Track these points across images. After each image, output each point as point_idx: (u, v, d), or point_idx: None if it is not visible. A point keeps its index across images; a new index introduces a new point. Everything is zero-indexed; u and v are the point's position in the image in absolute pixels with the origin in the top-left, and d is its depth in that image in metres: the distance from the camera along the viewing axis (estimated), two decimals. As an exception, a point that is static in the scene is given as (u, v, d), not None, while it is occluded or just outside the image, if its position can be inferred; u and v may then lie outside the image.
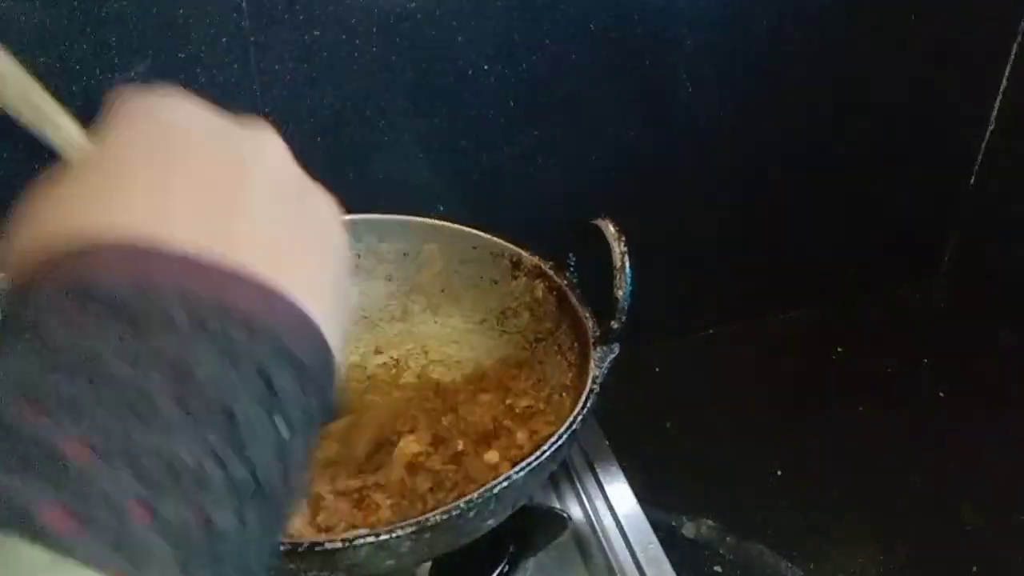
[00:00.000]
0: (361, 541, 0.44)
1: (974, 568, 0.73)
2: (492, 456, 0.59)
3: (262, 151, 0.28)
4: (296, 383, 0.25)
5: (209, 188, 0.26)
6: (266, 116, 0.30)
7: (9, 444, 0.20)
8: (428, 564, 0.57)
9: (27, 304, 0.23)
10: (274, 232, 0.27)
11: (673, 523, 0.76)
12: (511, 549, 0.61)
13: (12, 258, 0.25)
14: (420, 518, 0.45)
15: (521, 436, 0.60)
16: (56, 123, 0.29)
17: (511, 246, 0.68)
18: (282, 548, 0.44)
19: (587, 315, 0.62)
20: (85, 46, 0.61)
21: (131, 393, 0.21)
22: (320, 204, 0.30)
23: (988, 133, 0.98)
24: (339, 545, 0.44)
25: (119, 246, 0.24)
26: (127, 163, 0.26)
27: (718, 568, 0.74)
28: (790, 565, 0.73)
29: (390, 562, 0.47)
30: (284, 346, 0.24)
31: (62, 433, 0.20)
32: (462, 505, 0.46)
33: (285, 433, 0.24)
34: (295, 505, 0.27)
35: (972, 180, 1.02)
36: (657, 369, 0.94)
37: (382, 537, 0.45)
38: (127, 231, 0.24)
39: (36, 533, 0.18)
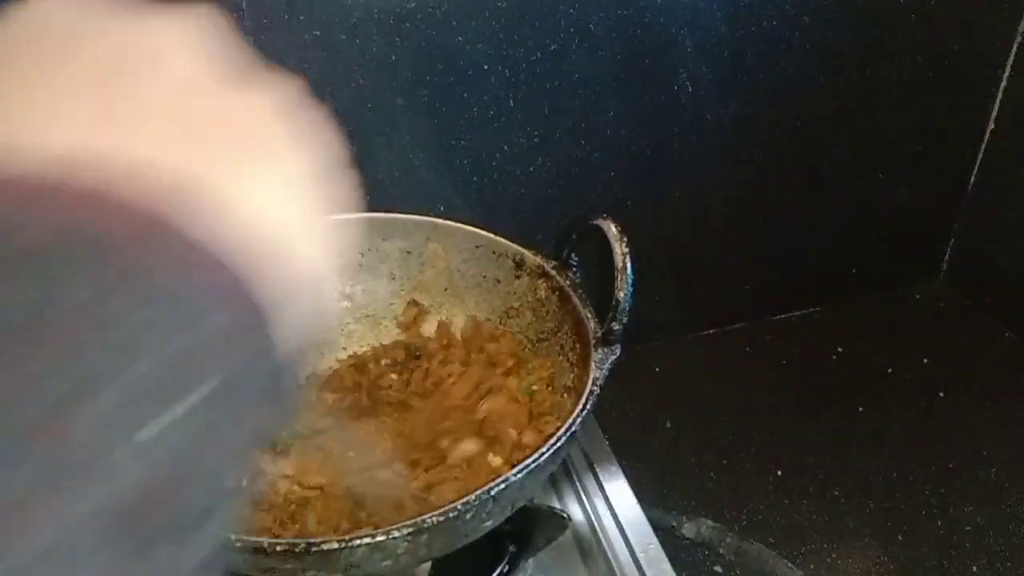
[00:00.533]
0: (358, 542, 0.44)
1: (974, 568, 0.73)
2: (497, 457, 0.59)
3: (173, 39, 0.22)
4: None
5: (90, 88, 0.20)
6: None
7: None
8: (428, 564, 0.57)
9: None
10: (181, 128, 0.21)
11: (673, 523, 0.76)
12: (511, 549, 0.61)
13: None
14: (417, 519, 0.45)
15: (525, 437, 0.60)
16: None
17: (514, 245, 0.68)
18: (279, 548, 0.44)
19: (589, 316, 0.62)
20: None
21: None
22: (260, 100, 0.23)
23: (988, 133, 0.98)
24: (336, 545, 0.44)
25: None
26: None
27: (718, 568, 0.73)
28: (790, 565, 0.73)
29: (387, 563, 0.47)
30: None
31: None
32: (459, 506, 0.46)
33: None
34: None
35: (972, 180, 1.02)
36: (657, 369, 0.94)
37: (379, 538, 0.45)
38: None
39: None
